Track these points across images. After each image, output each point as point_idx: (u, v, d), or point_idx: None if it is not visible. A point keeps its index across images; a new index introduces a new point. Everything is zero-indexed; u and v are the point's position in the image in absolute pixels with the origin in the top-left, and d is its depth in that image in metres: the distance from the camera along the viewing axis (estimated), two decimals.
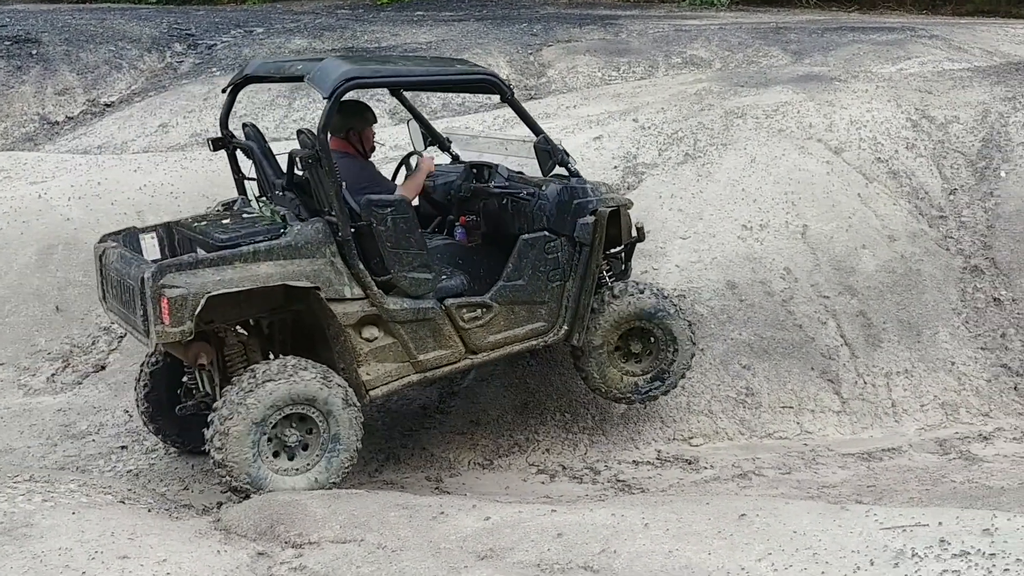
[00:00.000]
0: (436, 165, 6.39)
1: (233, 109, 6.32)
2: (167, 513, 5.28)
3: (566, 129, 8.94)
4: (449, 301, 5.69)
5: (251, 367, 5.39)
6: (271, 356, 5.79)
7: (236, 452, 5.19)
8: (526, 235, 5.88)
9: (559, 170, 6.00)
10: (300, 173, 5.69)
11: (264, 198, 5.92)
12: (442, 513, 4.98)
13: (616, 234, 6.15)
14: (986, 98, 9.04)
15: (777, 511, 4.56)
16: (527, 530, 4.64)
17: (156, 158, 9.32)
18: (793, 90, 9.22)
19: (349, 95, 5.59)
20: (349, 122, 5.99)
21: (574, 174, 5.98)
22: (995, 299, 7.49)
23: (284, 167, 5.97)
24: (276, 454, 5.35)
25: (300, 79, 5.72)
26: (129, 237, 5.94)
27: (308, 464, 5.41)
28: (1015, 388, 7.08)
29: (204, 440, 5.34)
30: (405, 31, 12.29)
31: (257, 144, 6.07)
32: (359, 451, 5.54)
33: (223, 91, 6.43)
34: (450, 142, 6.77)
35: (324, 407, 5.33)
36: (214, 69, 11.96)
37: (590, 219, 5.88)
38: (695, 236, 7.69)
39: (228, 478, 5.25)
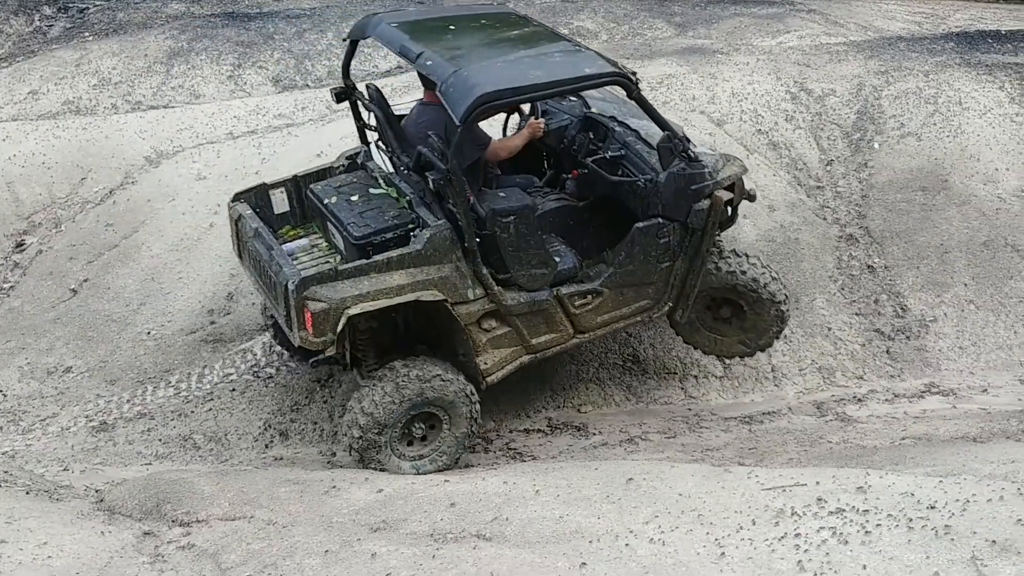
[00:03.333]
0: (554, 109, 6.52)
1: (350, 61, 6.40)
2: (46, 495, 5.12)
3: None
4: (562, 290, 5.86)
5: (390, 366, 5.66)
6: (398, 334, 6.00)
7: (368, 444, 5.60)
8: (640, 224, 5.90)
9: None
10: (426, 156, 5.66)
11: (381, 146, 6.20)
12: (334, 487, 4.95)
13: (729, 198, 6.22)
14: (861, 72, 9.34)
15: (663, 474, 4.68)
16: (420, 501, 4.66)
17: (26, 127, 8.94)
18: (677, 62, 9.36)
19: None
20: None
21: (694, 159, 5.90)
22: (869, 266, 7.79)
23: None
24: (404, 442, 5.74)
25: (430, 82, 5.65)
26: (259, 193, 6.26)
27: (429, 452, 5.78)
28: (887, 352, 7.38)
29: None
30: None
31: (381, 110, 6.15)
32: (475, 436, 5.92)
33: (343, 40, 6.52)
34: None
35: (449, 407, 5.71)
36: (87, 34, 11.49)
37: (705, 204, 5.91)
38: None
39: (360, 462, 5.66)
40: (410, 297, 5.43)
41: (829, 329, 7.43)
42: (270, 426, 6.46)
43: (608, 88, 6.38)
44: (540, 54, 5.70)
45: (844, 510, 4.04)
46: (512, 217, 5.59)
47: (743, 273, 6.27)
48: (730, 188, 6.11)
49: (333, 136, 8.28)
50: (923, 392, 7.21)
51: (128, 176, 8.27)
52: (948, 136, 8.65)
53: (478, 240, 5.55)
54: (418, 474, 5.62)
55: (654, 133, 6.00)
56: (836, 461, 5.39)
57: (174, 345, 7.07)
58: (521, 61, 5.62)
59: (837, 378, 7.24)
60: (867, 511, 4.01)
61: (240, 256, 6.27)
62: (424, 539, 4.28)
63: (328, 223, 5.97)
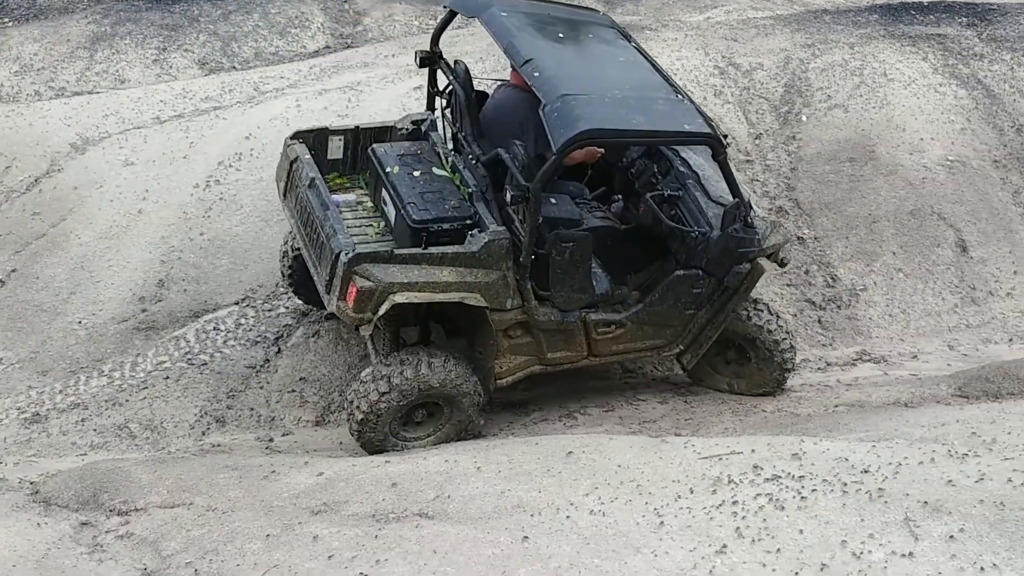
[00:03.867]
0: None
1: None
2: None
3: (386, 79, 8.83)
4: (591, 316, 5.91)
5: (396, 355, 5.69)
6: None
7: (369, 422, 5.60)
8: (681, 271, 5.95)
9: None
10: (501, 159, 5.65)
11: (447, 116, 6.23)
12: (273, 472, 4.92)
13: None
14: (787, 45, 9.45)
15: (602, 447, 4.72)
16: (361, 482, 4.64)
17: None
18: None
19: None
20: None
21: (749, 224, 5.99)
22: (799, 238, 7.91)
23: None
24: (404, 424, 5.76)
25: (526, 85, 5.64)
26: (319, 137, 6.29)
27: (428, 434, 5.81)
28: (819, 321, 7.52)
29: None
30: None
31: (464, 91, 6.08)
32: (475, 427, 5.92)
33: (444, 7, 6.49)
34: None
35: (454, 401, 5.74)
36: (5, 19, 11.18)
37: (746, 267, 6.02)
38: None
39: (358, 436, 5.68)
40: (455, 297, 5.49)
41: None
42: (206, 413, 6.38)
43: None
44: (645, 97, 5.73)
45: (780, 477, 4.11)
46: (572, 243, 5.62)
47: (759, 325, 6.34)
48: (770, 256, 6.22)
49: (262, 117, 8.17)
50: (855, 360, 7.36)
51: (54, 164, 8.07)
52: (874, 107, 8.81)
53: (533, 257, 5.59)
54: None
55: (709, 176, 6.13)
56: (771, 429, 5.48)
57: (106, 334, 6.94)
58: (626, 102, 5.62)
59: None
60: (802, 477, 4.08)
61: (284, 196, 6.25)
62: (366, 520, 4.27)
63: (384, 190, 5.93)
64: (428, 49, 6.41)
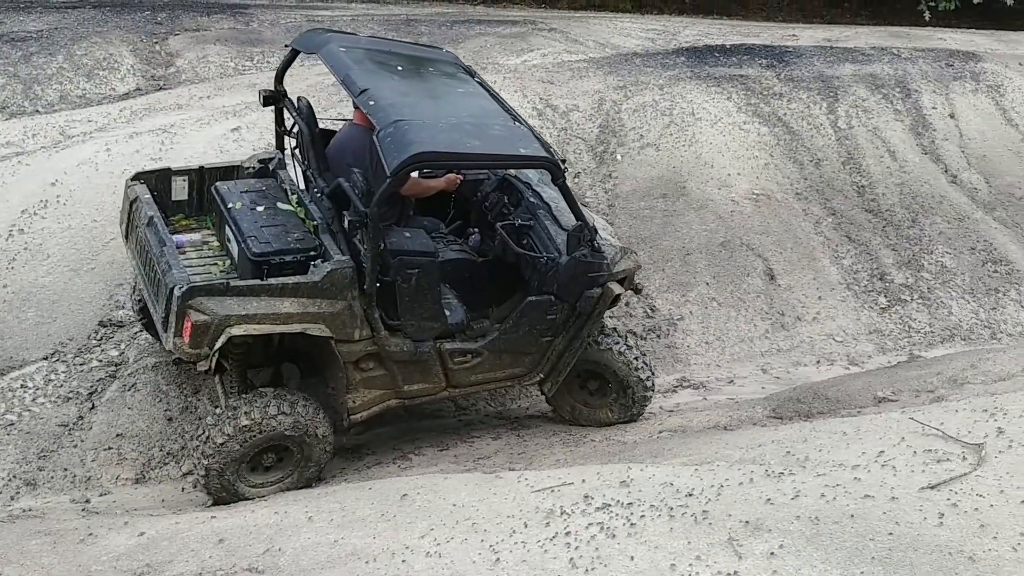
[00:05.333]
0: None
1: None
2: None
3: (201, 121, 8.62)
4: (445, 345, 5.87)
5: (255, 394, 5.52)
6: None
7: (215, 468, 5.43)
8: (533, 297, 5.97)
9: None
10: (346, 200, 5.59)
11: (296, 157, 6.16)
12: (91, 535, 4.66)
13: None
14: (601, 87, 9.78)
15: (437, 487, 4.70)
16: (186, 540, 4.46)
17: None
18: None
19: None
20: None
21: (597, 250, 6.05)
22: None
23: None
24: (252, 469, 5.59)
25: (369, 121, 5.63)
26: (161, 177, 6.17)
27: (278, 479, 5.66)
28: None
29: None
30: (11, 19, 11.25)
31: (307, 126, 6.07)
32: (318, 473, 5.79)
33: (286, 46, 6.52)
34: None
35: (303, 445, 5.59)
36: None
37: (596, 292, 6.06)
38: None
39: (204, 484, 5.51)
40: (296, 328, 5.35)
41: None
42: (15, 476, 6.00)
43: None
44: (481, 123, 5.74)
45: (610, 505, 4.19)
46: (417, 270, 5.61)
47: (619, 353, 6.42)
48: (621, 280, 6.31)
49: (69, 163, 7.82)
50: (676, 387, 7.61)
51: None
52: (684, 145, 9.20)
53: (378, 285, 5.52)
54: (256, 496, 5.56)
55: (563, 208, 6.15)
56: (600, 458, 5.59)
57: None
58: (462, 127, 5.64)
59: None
60: (631, 504, 4.17)
61: (126, 237, 6.14)
62: None
63: (227, 227, 5.78)
64: (271, 88, 6.42)
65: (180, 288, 5.16)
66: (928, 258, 9.06)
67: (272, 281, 5.34)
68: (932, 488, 3.93)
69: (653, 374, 6.66)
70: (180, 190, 6.19)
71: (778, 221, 8.90)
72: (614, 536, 3.94)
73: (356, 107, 5.96)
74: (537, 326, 6.05)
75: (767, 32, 12.97)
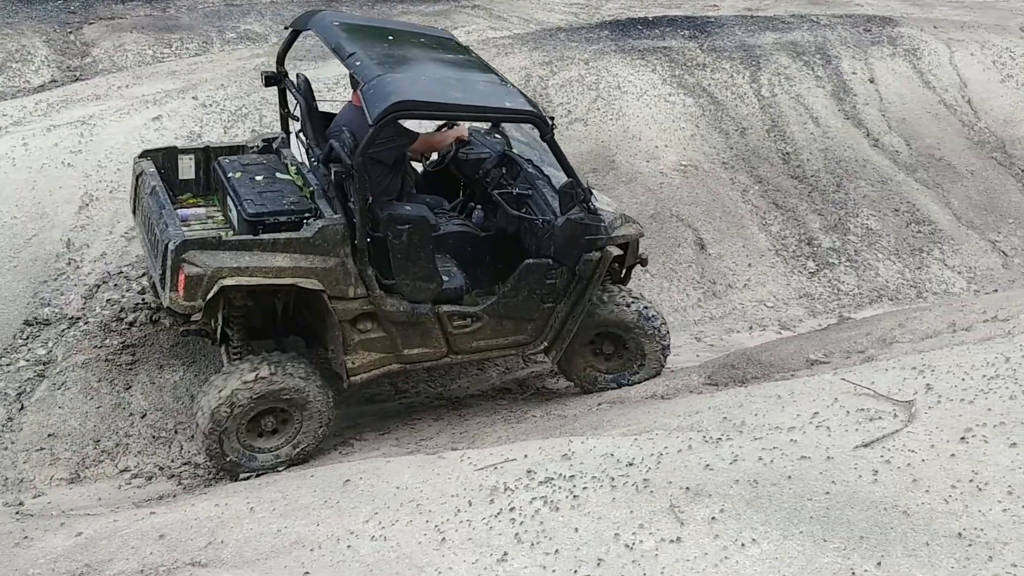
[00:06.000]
0: (473, 137, 6.60)
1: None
2: None
3: (121, 111, 8.43)
4: (443, 308, 5.87)
5: (253, 354, 5.67)
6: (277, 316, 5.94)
7: (211, 436, 5.53)
8: (530, 260, 5.96)
9: None
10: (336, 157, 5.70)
11: (300, 138, 6.23)
12: (26, 538, 4.57)
13: (623, 257, 6.37)
14: (527, 63, 9.77)
15: (380, 471, 4.69)
16: (125, 538, 4.39)
17: None
18: None
19: None
20: None
21: (592, 211, 6.02)
22: None
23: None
24: (253, 434, 5.67)
25: (353, 77, 5.88)
26: (168, 155, 6.25)
27: (281, 444, 5.73)
28: None
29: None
30: None
31: (306, 101, 6.16)
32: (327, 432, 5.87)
33: (285, 28, 6.54)
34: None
35: (302, 406, 5.66)
36: None
37: (595, 256, 6.01)
38: None
39: (206, 450, 5.64)
40: (288, 281, 5.43)
41: None
42: None
43: (531, 134, 6.56)
44: (466, 79, 5.82)
45: (553, 478, 4.22)
46: (407, 226, 5.64)
47: (628, 307, 6.38)
48: (624, 247, 6.29)
49: None
50: None
51: None
52: (611, 119, 9.24)
53: (369, 240, 5.57)
54: (269, 467, 5.67)
55: (561, 179, 6.09)
56: (542, 433, 5.62)
57: None
58: (446, 81, 5.76)
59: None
60: (573, 476, 4.21)
61: (134, 212, 6.25)
62: None
63: (228, 197, 5.89)
64: (273, 70, 6.55)
65: (174, 242, 5.27)
66: (854, 221, 9.23)
67: (264, 236, 5.43)
68: (866, 446, 4.02)
69: (664, 322, 6.66)
70: (187, 168, 6.27)
71: (706, 191, 8.99)
72: (558, 509, 3.97)
73: (354, 89, 6.07)
74: (537, 291, 6.05)
75: (689, 3, 13.06)
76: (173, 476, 6.06)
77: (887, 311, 8.04)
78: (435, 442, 6.04)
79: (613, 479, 4.14)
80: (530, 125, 6.06)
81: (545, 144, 5.90)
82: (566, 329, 6.23)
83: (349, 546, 4.01)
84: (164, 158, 6.26)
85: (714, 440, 4.38)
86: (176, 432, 6.42)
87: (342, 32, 6.07)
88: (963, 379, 4.42)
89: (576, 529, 3.82)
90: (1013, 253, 9.30)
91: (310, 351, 6.12)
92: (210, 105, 8.66)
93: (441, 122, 6.75)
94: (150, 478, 6.05)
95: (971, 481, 3.59)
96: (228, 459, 5.64)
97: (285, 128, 6.64)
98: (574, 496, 4.05)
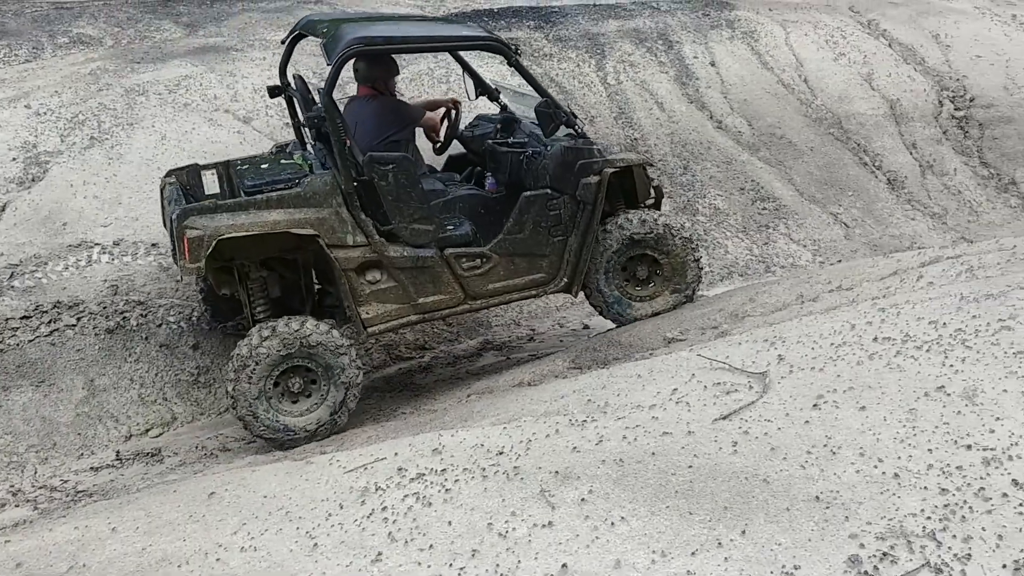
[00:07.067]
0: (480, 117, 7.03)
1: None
2: None
3: None
4: (449, 251, 5.99)
5: (271, 318, 5.85)
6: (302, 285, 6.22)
7: (245, 393, 5.70)
8: (528, 192, 6.12)
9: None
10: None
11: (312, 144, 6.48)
12: None
13: (633, 192, 6.47)
14: None
15: (246, 481, 4.59)
16: None
17: None
18: (192, 63, 9.11)
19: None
20: (375, 73, 6.48)
21: (581, 135, 6.22)
22: None
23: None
24: (283, 396, 5.84)
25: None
26: (192, 173, 6.43)
27: (310, 407, 5.89)
28: (443, 318, 7.80)
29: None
30: None
31: (301, 95, 6.46)
32: (360, 384, 6.00)
33: (281, 42, 6.77)
34: (499, 92, 6.87)
35: (325, 364, 5.80)
36: None
37: (593, 179, 6.11)
38: (117, 222, 7.35)
39: (235, 409, 5.78)
40: (282, 228, 5.60)
41: None
42: None
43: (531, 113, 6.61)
44: (426, 23, 6.17)
45: (424, 474, 4.21)
46: (391, 166, 5.83)
47: (656, 221, 6.41)
48: (627, 172, 6.37)
49: None
50: (480, 350, 7.71)
51: None
52: (463, 112, 9.23)
53: (356, 184, 5.75)
54: (299, 430, 5.86)
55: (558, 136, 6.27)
56: (411, 430, 5.60)
57: None
58: (403, 25, 6.19)
59: (402, 351, 7.52)
60: (444, 470, 4.21)
61: (164, 224, 6.40)
62: None
63: (238, 188, 6.18)
64: (276, 83, 6.80)
65: (175, 212, 5.54)
66: (702, 202, 9.52)
67: (258, 196, 5.67)
68: (724, 419, 4.15)
69: (693, 232, 6.86)
70: (211, 184, 6.34)
71: None
72: (431, 504, 3.97)
73: (358, 81, 6.55)
74: (542, 223, 6.16)
75: None
76: (28, 501, 5.80)
77: (738, 287, 8.32)
78: (302, 447, 5.95)
79: (484, 469, 4.16)
80: (497, 56, 6.24)
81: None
82: (582, 260, 6.33)
83: (218, 559, 3.91)
84: (188, 176, 6.44)
85: (580, 423, 4.45)
86: (29, 455, 6.14)
87: (324, 20, 6.30)
88: (812, 348, 4.61)
89: (450, 522, 3.83)
90: (854, 224, 9.76)
91: (339, 326, 6.15)
92: (44, 113, 8.30)
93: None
94: (3, 505, 5.78)
95: (825, 446, 3.74)
96: (254, 413, 5.74)
97: (299, 137, 6.80)
98: (446, 490, 4.05)
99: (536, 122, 6.34)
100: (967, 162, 10.60)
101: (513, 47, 6.08)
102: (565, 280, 6.35)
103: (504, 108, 7.09)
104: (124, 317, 6.87)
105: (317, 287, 6.47)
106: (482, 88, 6.83)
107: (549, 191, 6.16)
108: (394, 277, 5.93)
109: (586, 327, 7.96)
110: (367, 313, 5.93)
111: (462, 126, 7.11)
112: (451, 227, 6.11)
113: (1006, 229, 9.64)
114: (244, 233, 5.55)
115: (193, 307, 7.06)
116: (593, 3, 12.18)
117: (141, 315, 6.89)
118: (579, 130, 6.27)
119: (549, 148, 6.22)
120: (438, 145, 7.09)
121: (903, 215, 9.89)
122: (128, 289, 6.96)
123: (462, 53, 6.91)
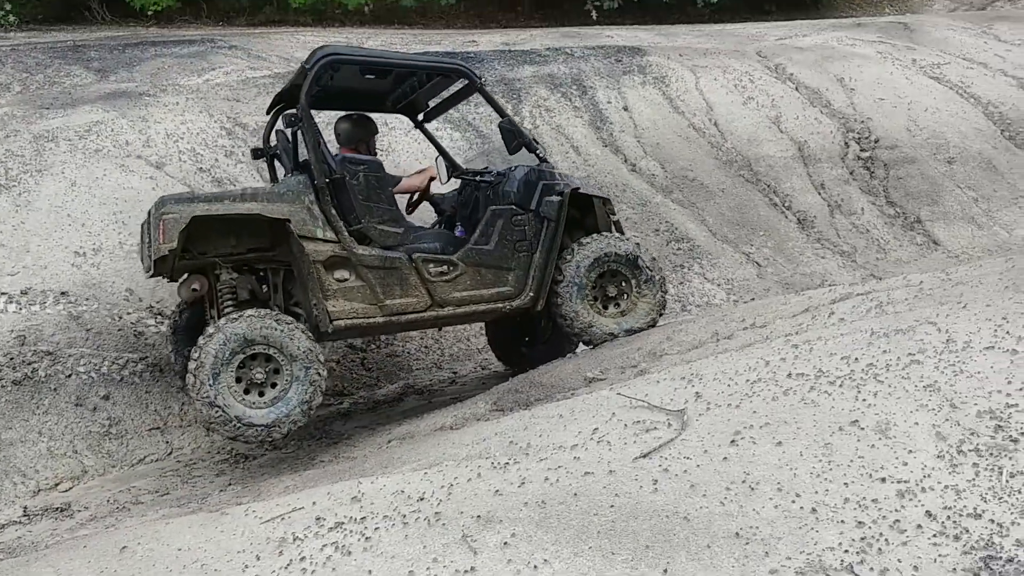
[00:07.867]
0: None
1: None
2: None
3: None
4: (417, 255, 6.18)
5: (220, 317, 5.93)
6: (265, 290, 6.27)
7: (204, 386, 5.64)
8: (494, 207, 6.43)
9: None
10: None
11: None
12: None
13: (594, 227, 6.79)
14: None
15: (159, 534, 4.46)
16: None
17: None
18: (103, 108, 8.95)
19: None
20: (358, 134, 6.79)
21: (542, 159, 6.61)
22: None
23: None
24: (246, 391, 5.79)
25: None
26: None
27: (275, 399, 5.83)
28: (362, 363, 7.74)
29: None
30: None
31: (282, 147, 6.62)
32: (323, 387, 5.97)
33: (267, 112, 7.07)
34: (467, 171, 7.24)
35: (286, 352, 5.78)
36: None
37: (556, 198, 6.47)
38: (25, 271, 7.14)
39: (207, 422, 5.73)
40: (255, 212, 5.81)
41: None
42: None
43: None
44: (404, 54, 6.69)
45: (343, 523, 4.14)
46: (363, 166, 6.14)
47: (626, 241, 6.71)
48: (587, 201, 6.73)
49: None
50: (401, 395, 7.65)
51: None
52: (381, 154, 9.21)
53: (328, 181, 6.00)
54: (271, 421, 5.79)
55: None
56: (330, 478, 5.51)
57: None
58: (382, 52, 6.74)
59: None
60: (364, 518, 4.15)
61: (142, 260, 6.46)
62: None
63: None
64: (259, 147, 7.02)
65: (154, 204, 5.76)
66: None
67: (234, 189, 5.91)
68: (644, 456, 4.17)
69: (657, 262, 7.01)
70: None
71: None
72: (350, 553, 3.90)
73: (340, 144, 6.78)
74: (507, 237, 6.42)
75: (448, 39, 13.30)
76: None
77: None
78: (218, 499, 5.82)
79: (404, 516, 4.10)
80: (462, 80, 6.68)
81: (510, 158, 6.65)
82: (547, 275, 6.52)
83: None
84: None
85: (502, 465, 4.43)
86: None
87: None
88: (729, 385, 4.67)
89: (370, 571, 3.76)
90: (766, 263, 9.97)
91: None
92: None
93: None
94: None
95: (744, 482, 3.78)
96: (214, 406, 5.64)
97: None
98: (366, 538, 3.99)
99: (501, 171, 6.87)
100: (874, 201, 10.92)
101: (478, 75, 6.55)
102: (531, 294, 6.52)
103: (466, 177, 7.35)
104: (32, 368, 6.67)
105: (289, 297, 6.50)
106: (454, 168, 7.20)
107: (514, 207, 6.48)
108: (362, 276, 6.06)
109: (508, 368, 7.96)
110: (333, 307, 6.03)
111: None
112: (424, 242, 6.37)
113: (913, 266, 9.94)
114: (218, 213, 5.75)
115: (104, 357, 6.88)
116: (508, 49, 12.32)
117: (50, 365, 6.69)
118: (540, 155, 6.70)
119: (513, 169, 6.68)
120: (408, 207, 7.20)
121: (813, 253, 10.14)
122: (36, 339, 6.76)
123: (432, 132, 7.34)
